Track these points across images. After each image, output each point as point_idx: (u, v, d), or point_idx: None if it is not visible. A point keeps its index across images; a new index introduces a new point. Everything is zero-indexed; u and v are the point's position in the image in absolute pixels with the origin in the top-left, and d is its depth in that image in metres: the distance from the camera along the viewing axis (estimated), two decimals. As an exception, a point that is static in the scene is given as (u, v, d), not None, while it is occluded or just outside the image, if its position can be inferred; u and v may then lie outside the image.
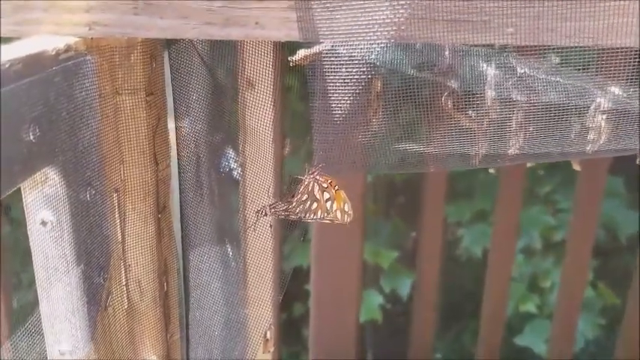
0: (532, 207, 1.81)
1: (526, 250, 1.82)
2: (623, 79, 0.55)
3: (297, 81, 0.57)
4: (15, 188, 0.44)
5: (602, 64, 0.53)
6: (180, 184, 0.65)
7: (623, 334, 1.49)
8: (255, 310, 0.69)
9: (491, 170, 1.45)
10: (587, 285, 1.65)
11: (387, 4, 0.47)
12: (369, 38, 0.49)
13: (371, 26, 0.48)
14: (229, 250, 0.68)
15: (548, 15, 0.48)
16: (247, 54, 0.62)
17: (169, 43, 0.62)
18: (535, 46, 0.51)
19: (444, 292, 2.02)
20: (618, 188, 1.76)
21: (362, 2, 0.48)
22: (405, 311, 1.84)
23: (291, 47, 0.55)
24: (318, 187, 0.58)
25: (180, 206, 0.65)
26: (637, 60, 0.52)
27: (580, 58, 0.52)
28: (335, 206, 0.59)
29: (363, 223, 1.32)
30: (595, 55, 0.52)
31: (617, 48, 0.50)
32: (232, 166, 0.68)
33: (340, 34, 0.50)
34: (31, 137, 0.44)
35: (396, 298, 1.82)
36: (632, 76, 0.54)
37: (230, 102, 0.67)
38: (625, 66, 0.53)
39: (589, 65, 0.53)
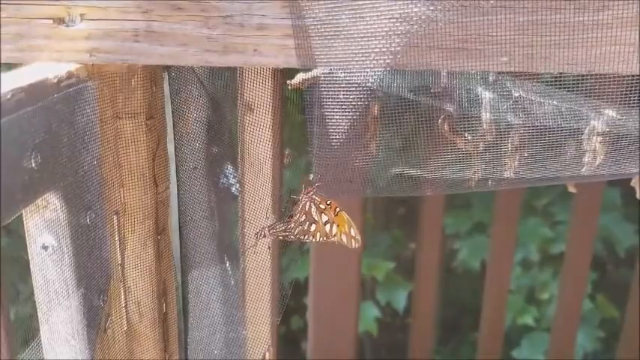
0: (530, 219, 1.81)
1: (524, 262, 1.82)
2: (617, 103, 0.56)
3: (297, 95, 0.58)
4: (16, 215, 0.45)
5: (597, 88, 0.54)
6: (179, 206, 0.65)
7: (622, 346, 1.50)
8: (255, 330, 0.69)
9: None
10: (585, 297, 1.65)
11: (383, 33, 0.48)
12: (365, 66, 0.50)
13: (367, 54, 0.49)
14: (228, 270, 0.69)
15: (542, 43, 0.48)
16: (247, 77, 0.62)
17: (168, 66, 0.62)
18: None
19: (442, 305, 2.03)
20: (615, 201, 1.76)
21: (358, 31, 0.49)
22: (401, 323, 1.85)
23: (290, 71, 0.56)
24: (315, 208, 0.58)
25: (180, 227, 0.66)
26: (630, 85, 0.53)
27: (574, 82, 0.53)
28: (335, 230, 0.59)
29: (362, 236, 1.32)
30: (590, 80, 0.53)
31: (610, 75, 0.50)
32: (231, 182, 0.68)
33: (337, 61, 0.50)
34: (33, 164, 0.44)
35: (392, 310, 1.82)
36: (626, 100, 0.55)
37: (230, 124, 0.68)
38: (618, 91, 0.54)
39: (583, 89, 0.54)
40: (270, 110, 0.63)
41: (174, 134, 0.63)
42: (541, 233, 1.81)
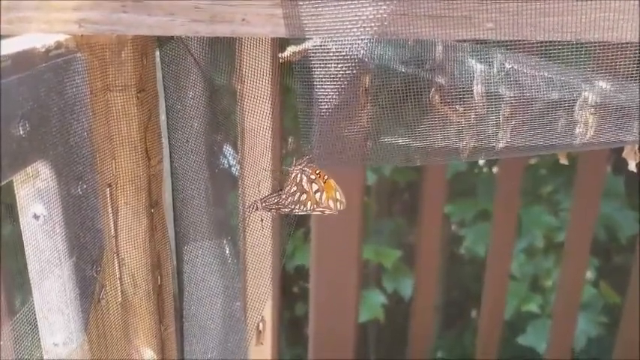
0: (534, 207, 1.81)
1: (528, 249, 1.82)
2: (609, 73, 0.56)
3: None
4: (5, 181, 0.45)
5: (588, 58, 0.54)
6: (172, 180, 0.66)
7: (621, 334, 1.49)
8: (249, 303, 0.70)
9: (494, 169, 1.45)
10: (586, 284, 1.65)
11: (369, 0, 0.48)
12: (353, 34, 0.50)
13: (355, 22, 0.49)
14: (223, 244, 0.69)
15: (529, 11, 0.48)
16: (245, 54, 0.63)
17: (161, 45, 0.62)
18: (520, 41, 0.52)
19: (447, 291, 2.03)
20: (619, 189, 1.76)
21: (346, -1, 0.49)
22: (407, 310, 1.85)
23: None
24: (306, 179, 0.59)
25: (173, 201, 0.66)
26: (621, 54, 0.53)
27: (562, 53, 0.53)
28: (324, 197, 0.60)
29: (362, 224, 1.33)
30: (581, 50, 0.53)
31: (598, 42, 0.50)
32: (231, 163, 0.69)
33: (325, 30, 0.51)
34: (21, 132, 0.45)
35: (399, 297, 1.82)
36: (617, 69, 0.55)
37: (226, 101, 0.68)
38: (608, 60, 0.54)
39: (575, 59, 0.54)
40: (270, 85, 0.63)
41: (166, 107, 0.64)
42: (545, 221, 1.81)
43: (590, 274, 1.84)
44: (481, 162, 2.04)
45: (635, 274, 1.43)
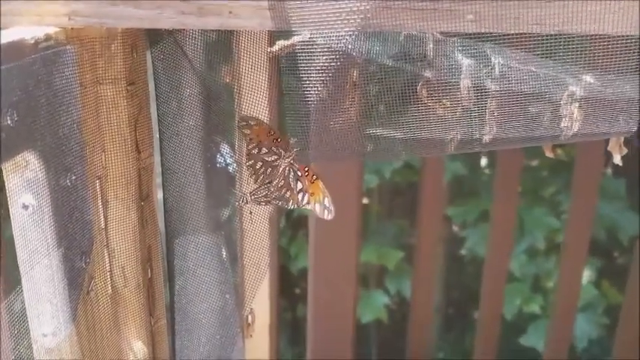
0: (536, 208, 1.81)
1: (530, 250, 1.82)
2: (594, 67, 0.56)
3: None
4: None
5: (574, 51, 0.55)
6: (162, 173, 0.66)
7: (620, 335, 1.49)
8: (245, 295, 0.70)
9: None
10: (584, 285, 1.65)
11: (353, -9, 0.49)
12: (337, 26, 0.50)
13: (339, 14, 0.50)
14: (214, 238, 0.69)
15: (510, 3, 0.49)
16: (243, 51, 0.63)
17: (152, 44, 0.63)
18: (506, 35, 0.53)
19: (448, 293, 2.03)
20: (620, 191, 1.76)
21: (330, -10, 0.49)
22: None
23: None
24: (293, 175, 0.59)
25: (164, 196, 0.67)
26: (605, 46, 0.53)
27: (547, 46, 0.54)
28: (307, 198, 0.59)
29: (360, 224, 1.33)
30: (560, 41, 0.53)
31: (582, 35, 0.51)
32: (228, 161, 0.69)
33: (310, 22, 0.51)
34: (9, 121, 0.46)
35: (402, 298, 1.82)
36: (602, 62, 0.55)
37: (222, 99, 0.69)
38: (593, 53, 0.54)
39: (562, 53, 0.55)
40: (267, 82, 0.64)
41: (157, 103, 0.64)
42: (546, 222, 1.81)
43: (591, 276, 1.85)
44: (483, 164, 2.04)
45: (635, 274, 1.43)
